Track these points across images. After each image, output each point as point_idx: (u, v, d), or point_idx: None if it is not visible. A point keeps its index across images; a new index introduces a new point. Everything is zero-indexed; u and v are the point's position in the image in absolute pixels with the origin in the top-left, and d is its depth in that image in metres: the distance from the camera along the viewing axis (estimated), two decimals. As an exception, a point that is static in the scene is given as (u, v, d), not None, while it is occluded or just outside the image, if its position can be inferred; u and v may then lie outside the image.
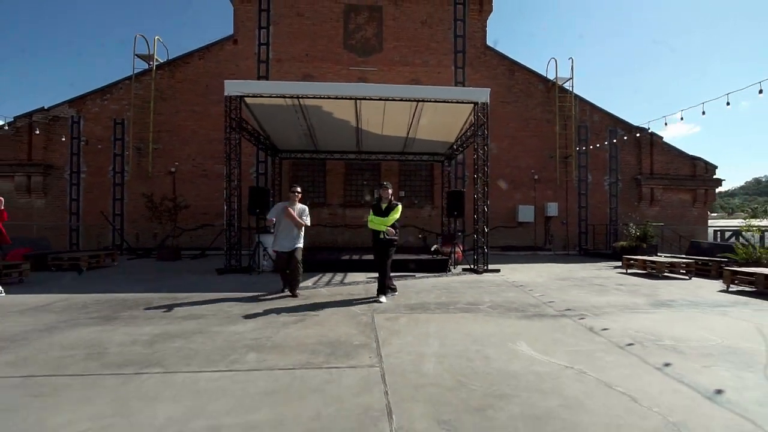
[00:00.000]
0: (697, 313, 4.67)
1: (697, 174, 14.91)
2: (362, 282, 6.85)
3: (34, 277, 7.34)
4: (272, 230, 8.83)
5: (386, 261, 5.38)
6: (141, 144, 12.80)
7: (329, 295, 5.59)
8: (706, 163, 15.02)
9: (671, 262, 8.16)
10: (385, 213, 5.48)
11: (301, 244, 5.76)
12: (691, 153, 15.22)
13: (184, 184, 12.81)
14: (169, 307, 4.71)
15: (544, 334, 3.66)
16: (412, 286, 6.49)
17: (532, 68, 14.23)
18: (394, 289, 5.72)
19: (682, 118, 9.08)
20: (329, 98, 8.40)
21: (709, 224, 15.60)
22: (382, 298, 5.23)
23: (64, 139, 12.52)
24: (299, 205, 5.91)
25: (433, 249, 8.68)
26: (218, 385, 2.40)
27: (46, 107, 12.65)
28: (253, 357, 2.93)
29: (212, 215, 12.80)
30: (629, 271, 9.00)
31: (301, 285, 6.45)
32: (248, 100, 8.81)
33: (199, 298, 5.28)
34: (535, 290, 6.17)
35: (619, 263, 10.48)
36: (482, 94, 8.54)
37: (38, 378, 2.51)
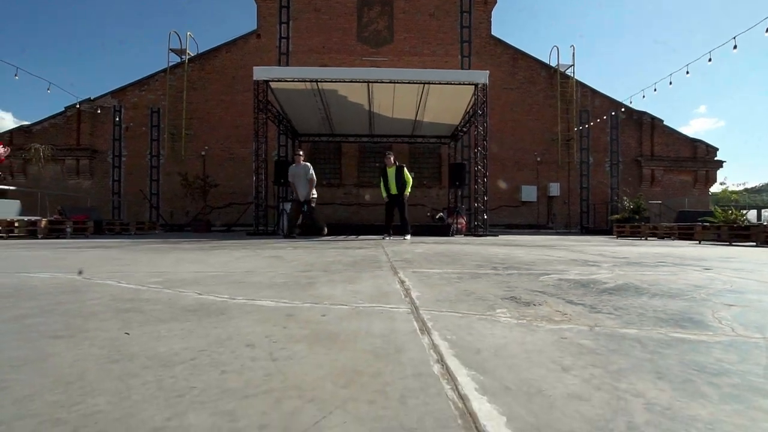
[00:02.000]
0: (650, 247, 5.55)
1: (698, 156, 15.44)
2: (376, 238, 7.90)
3: (93, 236, 8.65)
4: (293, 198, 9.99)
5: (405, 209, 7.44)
6: (174, 130, 14.14)
7: (345, 241, 6.67)
8: (707, 145, 15.53)
9: (654, 225, 8.96)
10: (399, 177, 7.55)
11: (314, 195, 7.55)
12: (715, 146, 15.66)
13: (213, 167, 14.09)
14: (216, 245, 5.86)
15: (511, 249, 4.64)
16: (416, 240, 7.52)
17: (535, 56, 15.03)
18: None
19: (687, 72, 9.77)
20: (344, 82, 9.47)
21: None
22: (408, 236, 6.42)
23: (125, 125, 13.92)
24: (304, 163, 7.45)
25: (438, 217, 9.69)
26: (273, 254, 3.49)
27: (92, 98, 14.12)
28: (291, 249, 4.02)
29: (238, 194, 14.07)
30: (619, 238, 9.80)
31: (319, 239, 7.56)
32: (273, 84, 9.95)
33: (238, 241, 6.43)
34: (524, 242, 7.11)
35: (614, 236, 11.31)
36: (482, 76, 9.47)
37: (148, 251, 3.66)
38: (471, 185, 11.56)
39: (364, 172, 14.63)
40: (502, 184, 14.36)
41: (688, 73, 9.72)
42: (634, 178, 15.32)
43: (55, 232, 7.38)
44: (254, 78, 9.32)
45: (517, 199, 14.73)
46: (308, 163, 7.57)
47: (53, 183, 13.98)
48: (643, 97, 14.35)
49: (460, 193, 10.62)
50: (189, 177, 12.65)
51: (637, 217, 11.21)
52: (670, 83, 9.74)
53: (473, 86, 9.66)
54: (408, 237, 7.03)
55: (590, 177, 15.17)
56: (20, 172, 14.01)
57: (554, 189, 14.78)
